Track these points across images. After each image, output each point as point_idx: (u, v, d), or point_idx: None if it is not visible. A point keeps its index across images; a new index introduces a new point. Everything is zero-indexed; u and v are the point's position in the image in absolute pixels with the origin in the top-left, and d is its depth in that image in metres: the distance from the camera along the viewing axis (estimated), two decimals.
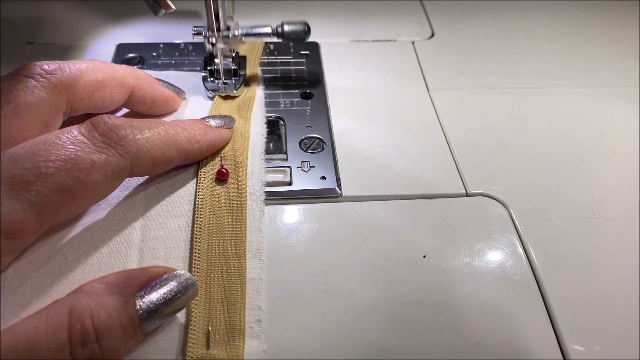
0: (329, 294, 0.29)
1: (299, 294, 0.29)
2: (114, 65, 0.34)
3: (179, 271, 0.26)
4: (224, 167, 0.33)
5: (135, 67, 0.44)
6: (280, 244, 0.31)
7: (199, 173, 0.32)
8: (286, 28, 0.39)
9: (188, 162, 0.32)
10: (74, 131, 0.26)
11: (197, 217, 0.30)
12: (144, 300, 0.24)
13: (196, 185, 0.32)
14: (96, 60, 0.33)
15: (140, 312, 0.24)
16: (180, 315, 0.27)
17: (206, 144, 0.32)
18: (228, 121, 0.34)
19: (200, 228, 0.30)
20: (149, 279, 0.25)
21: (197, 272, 0.28)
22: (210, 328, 0.26)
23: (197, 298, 0.27)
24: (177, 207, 0.31)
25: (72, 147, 0.25)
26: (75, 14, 0.50)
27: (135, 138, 0.28)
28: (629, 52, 0.50)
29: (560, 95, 0.44)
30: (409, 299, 0.29)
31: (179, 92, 0.38)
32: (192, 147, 0.31)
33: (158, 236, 0.30)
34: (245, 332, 0.26)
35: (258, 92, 0.41)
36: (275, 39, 0.41)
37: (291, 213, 0.33)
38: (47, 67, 0.30)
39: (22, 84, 0.29)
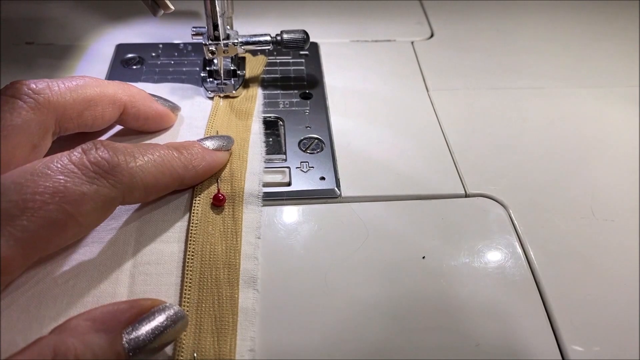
0: (328, 294, 0.29)
1: (299, 294, 0.29)
2: (105, 81, 0.32)
3: (167, 304, 0.25)
4: (221, 192, 0.32)
5: (134, 67, 0.44)
6: (279, 245, 0.31)
7: (194, 198, 0.31)
8: (285, 36, 0.40)
9: (183, 187, 0.31)
10: (64, 159, 0.25)
11: (190, 244, 0.29)
12: (131, 336, 0.23)
13: (191, 210, 0.31)
14: (86, 77, 0.32)
15: (128, 348, 0.23)
16: (169, 347, 0.26)
17: (203, 169, 0.31)
18: (226, 143, 0.33)
19: (192, 256, 0.29)
20: (137, 313, 0.24)
21: (188, 302, 0.27)
22: (195, 355, 0.25)
23: (186, 328, 0.26)
24: (170, 232, 0.30)
25: (61, 177, 0.24)
26: (74, 14, 0.50)
27: (128, 167, 0.26)
28: (629, 52, 0.50)
29: (560, 96, 0.44)
30: (408, 299, 0.29)
31: (174, 107, 0.36)
32: (188, 173, 0.30)
33: (150, 261, 0.29)
34: None
35: (258, 96, 0.41)
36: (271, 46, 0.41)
37: (290, 214, 0.33)
38: (34, 87, 0.28)
39: (9, 105, 0.27)
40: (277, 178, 0.35)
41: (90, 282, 0.27)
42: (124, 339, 0.23)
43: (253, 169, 0.34)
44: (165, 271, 0.28)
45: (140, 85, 0.41)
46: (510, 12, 0.54)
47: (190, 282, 0.28)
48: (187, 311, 0.27)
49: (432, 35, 0.50)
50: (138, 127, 0.35)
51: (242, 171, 0.33)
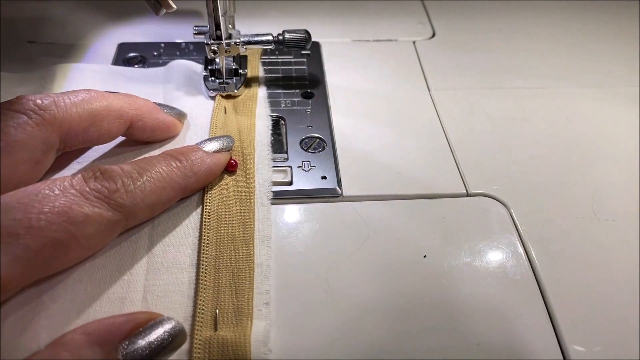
0: (329, 293, 0.29)
1: (299, 293, 0.29)
2: (112, 95, 0.32)
3: (165, 317, 0.25)
4: (233, 158, 0.33)
5: (136, 66, 0.44)
6: (280, 244, 0.31)
7: None
8: (287, 36, 0.40)
9: (188, 195, 0.31)
10: (66, 183, 0.25)
11: (206, 206, 0.31)
12: (127, 350, 0.23)
13: None
14: (92, 91, 0.31)
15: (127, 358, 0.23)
16: (189, 300, 0.27)
17: (204, 174, 0.31)
18: (226, 144, 0.33)
19: (209, 216, 0.30)
20: (134, 327, 0.24)
21: (206, 258, 0.28)
22: (217, 311, 0.26)
23: (205, 283, 0.27)
24: (186, 196, 0.31)
25: (64, 200, 0.24)
26: (76, 13, 0.50)
27: (128, 190, 0.26)
28: (629, 52, 0.50)
29: (561, 96, 0.44)
30: (409, 298, 0.29)
31: (180, 115, 0.36)
32: (189, 181, 0.29)
33: (168, 224, 0.30)
34: (253, 315, 0.27)
35: (260, 92, 0.41)
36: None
37: (292, 213, 0.33)
38: (40, 102, 0.28)
39: (13, 120, 0.27)
40: (279, 177, 0.35)
41: (109, 246, 0.28)
42: (120, 353, 0.23)
43: (261, 140, 0.36)
44: (182, 232, 0.30)
45: (147, 68, 0.43)
46: (511, 12, 0.54)
47: (207, 240, 0.29)
48: (206, 267, 0.28)
49: (433, 35, 0.50)
50: (144, 139, 0.34)
51: (251, 141, 0.35)
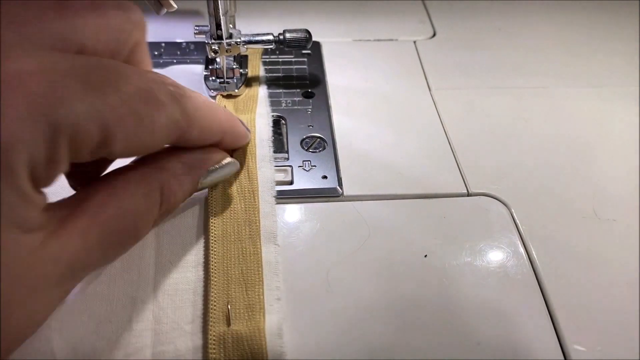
0: (330, 292, 0.29)
1: (300, 292, 0.29)
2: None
3: (231, 159, 0.30)
4: (234, 157, 0.33)
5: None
6: (281, 243, 0.31)
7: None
8: (288, 36, 0.40)
9: (222, 146, 0.31)
10: (150, 73, 0.24)
11: (210, 205, 0.31)
12: (205, 179, 0.28)
13: None
14: None
15: (200, 187, 0.28)
16: (199, 298, 0.28)
17: (237, 132, 0.31)
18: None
19: (214, 215, 0.30)
20: (214, 161, 0.29)
21: (215, 256, 0.29)
22: (229, 307, 0.27)
23: (215, 279, 0.28)
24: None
25: (147, 81, 0.23)
26: None
27: (191, 98, 0.26)
28: (629, 52, 0.50)
29: (562, 95, 0.44)
30: (409, 298, 0.29)
31: None
32: (228, 131, 0.30)
33: (173, 224, 0.30)
34: (265, 310, 0.27)
35: (260, 91, 0.41)
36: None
37: (292, 212, 0.33)
38: None
39: None
40: (280, 177, 0.35)
41: None
42: (200, 182, 0.28)
43: (262, 136, 0.36)
44: (188, 232, 0.30)
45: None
46: (512, 11, 0.54)
47: (214, 238, 0.29)
48: (215, 264, 0.29)
49: (434, 35, 0.50)
50: None
51: (252, 138, 0.35)
